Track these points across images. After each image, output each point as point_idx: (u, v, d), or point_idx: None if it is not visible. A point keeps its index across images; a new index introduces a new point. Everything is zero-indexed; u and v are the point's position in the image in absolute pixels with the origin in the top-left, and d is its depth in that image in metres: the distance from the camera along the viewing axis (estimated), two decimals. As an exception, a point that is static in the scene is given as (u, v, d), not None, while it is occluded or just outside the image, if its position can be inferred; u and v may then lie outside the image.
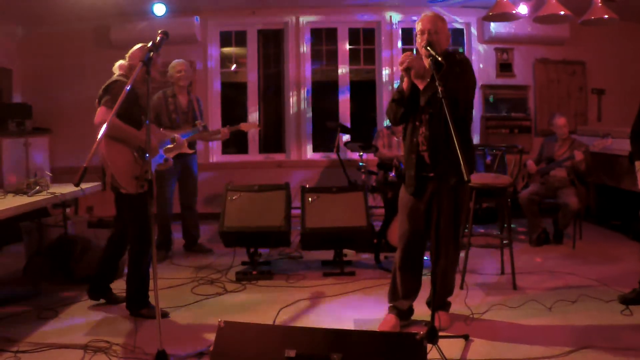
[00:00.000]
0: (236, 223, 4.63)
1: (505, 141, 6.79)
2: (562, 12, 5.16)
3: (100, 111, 3.40)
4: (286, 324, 3.47)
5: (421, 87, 3.07)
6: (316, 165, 7.20)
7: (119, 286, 3.89)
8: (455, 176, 2.79)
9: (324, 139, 7.31)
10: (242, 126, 5.40)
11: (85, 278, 4.06)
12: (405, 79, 3.12)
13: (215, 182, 6.78)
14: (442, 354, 2.80)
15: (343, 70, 7.35)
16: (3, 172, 5.87)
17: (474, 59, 7.10)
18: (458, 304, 3.69)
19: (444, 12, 6.80)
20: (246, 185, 4.98)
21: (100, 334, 3.32)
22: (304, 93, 7.26)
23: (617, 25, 5.67)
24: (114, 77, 3.60)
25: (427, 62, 2.98)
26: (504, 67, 7.23)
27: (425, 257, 3.52)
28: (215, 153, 7.29)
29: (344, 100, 7.36)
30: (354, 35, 7.39)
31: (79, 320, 3.58)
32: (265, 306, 3.83)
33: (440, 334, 2.94)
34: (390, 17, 7.18)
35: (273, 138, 7.69)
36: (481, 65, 7.14)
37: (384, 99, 7.19)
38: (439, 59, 2.82)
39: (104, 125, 2.67)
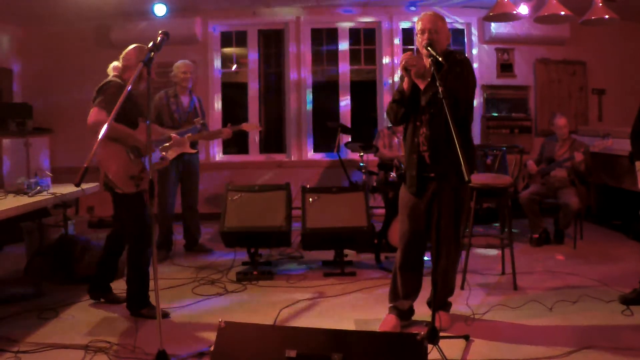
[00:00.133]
0: (237, 223, 4.63)
1: (506, 141, 6.79)
2: (562, 12, 5.16)
3: (93, 112, 3.41)
4: (287, 324, 3.46)
5: (422, 86, 3.07)
6: (317, 166, 7.20)
7: (119, 286, 3.89)
8: (456, 176, 2.79)
9: (324, 139, 7.32)
10: (244, 126, 5.41)
11: (86, 278, 4.06)
12: (406, 79, 3.12)
13: (216, 182, 6.78)
14: (443, 354, 2.80)
15: (343, 70, 7.35)
16: (4, 172, 5.87)
17: (474, 59, 7.10)
18: (459, 304, 3.68)
19: (445, 12, 6.80)
20: (247, 185, 4.99)
21: (101, 334, 3.32)
22: (304, 93, 7.26)
23: (617, 25, 5.68)
24: (108, 78, 3.61)
25: (427, 62, 2.98)
26: (505, 67, 7.23)
27: (425, 257, 3.52)
28: (216, 153, 7.29)
29: (345, 100, 7.36)
30: (354, 36, 7.39)
31: (79, 320, 3.58)
32: (266, 306, 3.83)
33: (441, 334, 2.94)
34: (392, 17, 7.18)
35: (274, 138, 7.69)
36: (481, 66, 7.13)
37: (384, 99, 7.18)
38: (440, 59, 2.82)
39: (105, 126, 2.68)
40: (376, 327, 3.34)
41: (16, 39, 6.98)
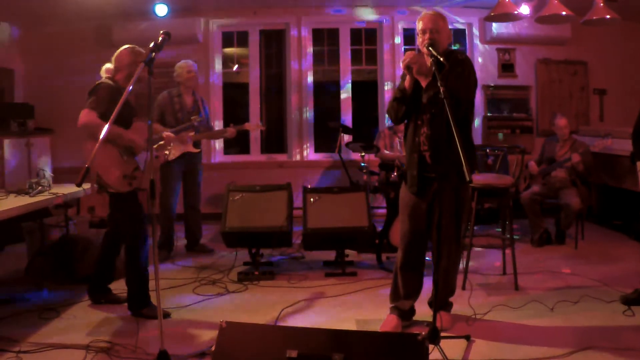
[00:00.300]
0: (238, 223, 4.63)
1: (507, 141, 6.79)
2: (563, 13, 5.16)
3: (83, 113, 3.44)
4: (288, 325, 3.46)
5: (424, 84, 3.06)
6: (318, 166, 7.20)
7: (119, 286, 3.89)
8: (457, 176, 2.79)
9: (325, 140, 7.32)
10: (247, 125, 5.46)
11: (87, 278, 4.06)
12: (407, 78, 3.12)
13: (217, 182, 6.78)
14: (444, 354, 2.80)
15: (345, 70, 7.35)
16: (5, 173, 5.88)
17: (475, 59, 7.09)
18: (460, 304, 3.68)
19: (446, 12, 6.79)
20: (248, 185, 4.98)
21: (102, 334, 3.33)
22: (305, 93, 7.26)
23: (618, 25, 5.67)
24: (100, 80, 3.63)
25: (429, 61, 2.98)
26: (506, 68, 7.23)
27: (427, 258, 3.52)
28: (217, 153, 7.30)
29: (346, 100, 7.36)
30: (355, 36, 7.39)
31: (80, 320, 3.59)
32: (267, 306, 3.83)
33: (442, 334, 2.94)
34: (392, 17, 7.18)
35: (275, 138, 7.69)
36: (483, 66, 7.13)
37: (385, 99, 7.18)
38: (441, 59, 2.82)
39: (105, 127, 2.69)
40: (377, 327, 3.34)
41: (18, 39, 6.98)
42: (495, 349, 3.05)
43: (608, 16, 5.21)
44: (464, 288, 4.10)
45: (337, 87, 7.38)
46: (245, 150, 7.43)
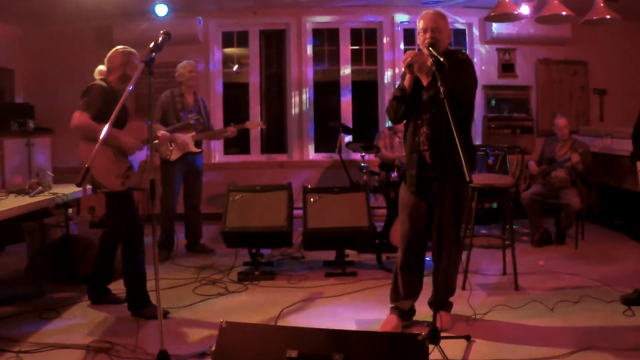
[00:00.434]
0: (238, 223, 4.63)
1: (507, 141, 6.78)
2: (564, 13, 5.16)
3: (75, 115, 3.46)
4: (288, 325, 3.46)
5: (425, 82, 3.06)
6: (318, 166, 7.20)
7: (120, 287, 3.89)
8: (457, 176, 2.79)
9: (326, 140, 7.32)
10: (248, 124, 5.49)
11: (87, 278, 4.06)
12: (407, 77, 3.12)
13: (217, 182, 6.78)
14: (444, 354, 2.80)
15: (345, 70, 7.36)
16: (5, 173, 5.88)
17: (475, 59, 7.09)
18: (460, 304, 3.68)
19: (446, 12, 6.77)
20: (248, 185, 4.99)
21: (102, 334, 3.33)
22: (306, 93, 7.26)
23: (619, 25, 5.67)
24: (93, 81, 3.64)
25: (429, 61, 2.98)
26: (506, 68, 7.23)
27: (427, 258, 3.52)
28: (217, 153, 7.30)
29: (346, 100, 7.36)
30: (356, 36, 7.39)
31: (80, 320, 3.59)
32: (267, 306, 3.83)
33: (442, 334, 2.94)
34: (393, 17, 7.18)
35: (275, 138, 7.69)
36: (483, 66, 7.13)
37: (385, 100, 7.18)
38: (441, 59, 2.82)
39: (105, 128, 2.69)
40: (377, 328, 3.35)
41: (18, 39, 6.99)
42: (495, 349, 3.05)
43: (608, 16, 5.21)
44: (464, 288, 4.10)
45: (337, 87, 7.38)
46: (246, 150, 7.43)
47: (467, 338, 3.15)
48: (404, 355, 2.29)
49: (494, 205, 6.48)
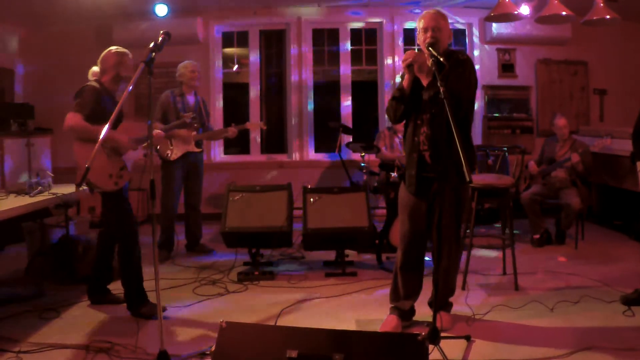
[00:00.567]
0: (238, 223, 4.63)
1: (507, 142, 6.79)
2: (564, 13, 5.16)
3: (68, 116, 3.47)
4: (288, 325, 3.46)
5: (425, 82, 3.06)
6: (318, 166, 7.20)
7: (119, 287, 3.89)
8: (457, 176, 2.79)
9: (325, 140, 7.32)
10: (248, 125, 5.50)
11: (87, 278, 4.06)
12: (407, 77, 3.12)
13: (217, 182, 6.79)
14: (444, 354, 2.80)
15: (345, 70, 7.36)
16: (5, 173, 5.88)
17: (476, 59, 7.09)
18: (460, 304, 3.68)
19: (446, 12, 6.77)
20: (248, 185, 4.99)
21: (102, 334, 3.33)
22: (305, 93, 7.26)
23: (619, 25, 5.67)
24: (87, 83, 3.65)
25: (429, 61, 2.98)
26: (506, 68, 7.23)
27: (427, 258, 3.51)
28: (217, 153, 7.30)
29: (346, 100, 7.36)
30: (356, 36, 7.39)
31: (80, 320, 3.59)
32: (267, 306, 3.83)
33: (442, 334, 2.94)
34: (393, 17, 7.18)
35: (275, 138, 7.69)
36: (483, 66, 7.13)
37: (385, 100, 7.18)
38: (442, 59, 2.82)
39: (104, 129, 2.69)
40: (377, 328, 3.34)
41: (18, 39, 6.99)
42: (495, 349, 3.05)
43: (608, 16, 5.21)
44: (464, 288, 4.10)
45: (337, 87, 7.38)
46: (246, 150, 7.43)
47: (467, 338, 3.15)
48: (404, 355, 2.29)
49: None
